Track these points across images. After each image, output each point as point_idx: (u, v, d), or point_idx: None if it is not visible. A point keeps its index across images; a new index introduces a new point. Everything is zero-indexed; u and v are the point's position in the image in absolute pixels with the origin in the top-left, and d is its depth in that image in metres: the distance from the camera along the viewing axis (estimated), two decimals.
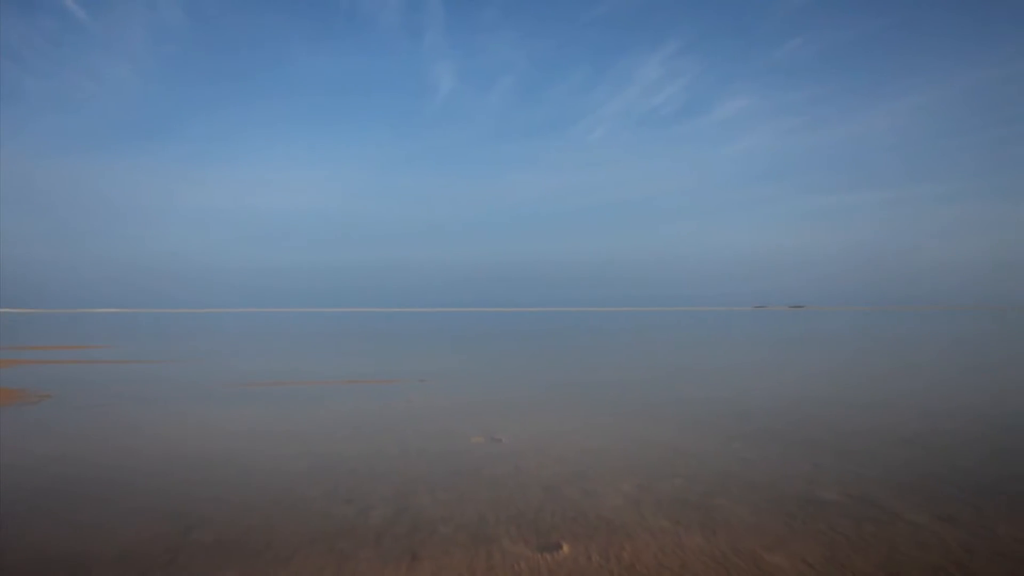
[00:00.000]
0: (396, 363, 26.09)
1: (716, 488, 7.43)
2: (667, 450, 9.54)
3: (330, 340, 45.34)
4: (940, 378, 19.19)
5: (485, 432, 10.96)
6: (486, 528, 6.11)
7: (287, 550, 5.58)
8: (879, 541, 5.69)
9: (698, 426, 11.42)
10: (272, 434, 10.90)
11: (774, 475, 8.01)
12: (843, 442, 9.97)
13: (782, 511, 6.56)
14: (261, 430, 11.24)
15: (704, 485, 7.56)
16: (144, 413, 13.13)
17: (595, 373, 21.55)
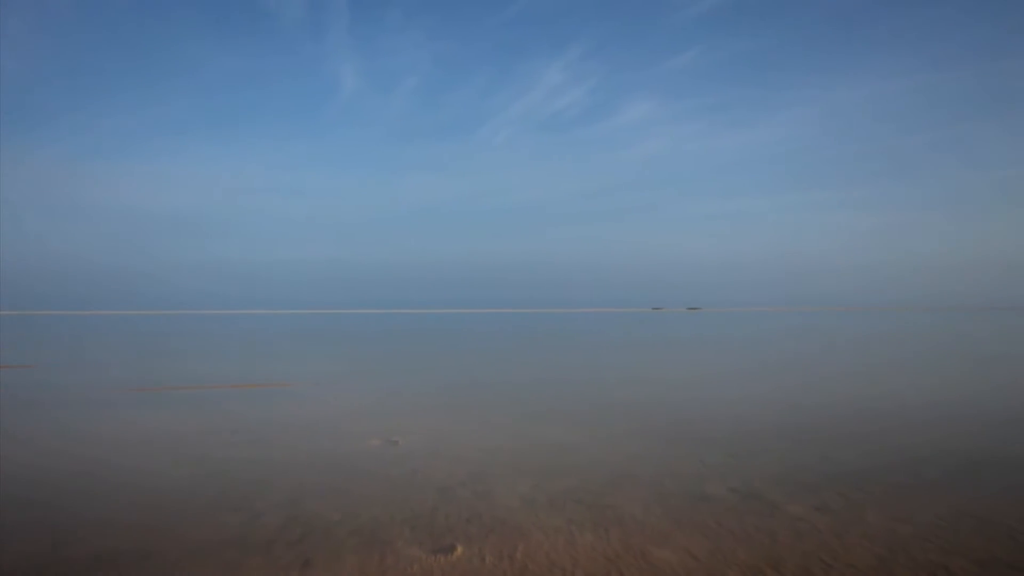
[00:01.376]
0: (291, 365, 25.48)
1: (608, 487, 7.60)
2: (562, 450, 9.69)
3: (224, 342, 43.78)
4: (820, 374, 20.26)
5: (381, 434, 10.82)
6: (380, 531, 6.02)
7: (168, 563, 5.32)
8: (760, 532, 5.96)
9: (593, 425, 11.65)
10: (156, 441, 10.41)
11: (663, 472, 8.26)
12: (729, 438, 10.40)
13: (670, 507, 6.77)
14: (145, 437, 10.72)
15: (597, 484, 7.72)
16: (16, 420, 12.29)
17: (494, 374, 21.65)
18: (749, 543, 5.69)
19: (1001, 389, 16.53)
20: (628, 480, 7.89)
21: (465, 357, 29.82)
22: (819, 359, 27.20)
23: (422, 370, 23.26)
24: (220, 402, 14.69)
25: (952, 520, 6.26)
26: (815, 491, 7.29)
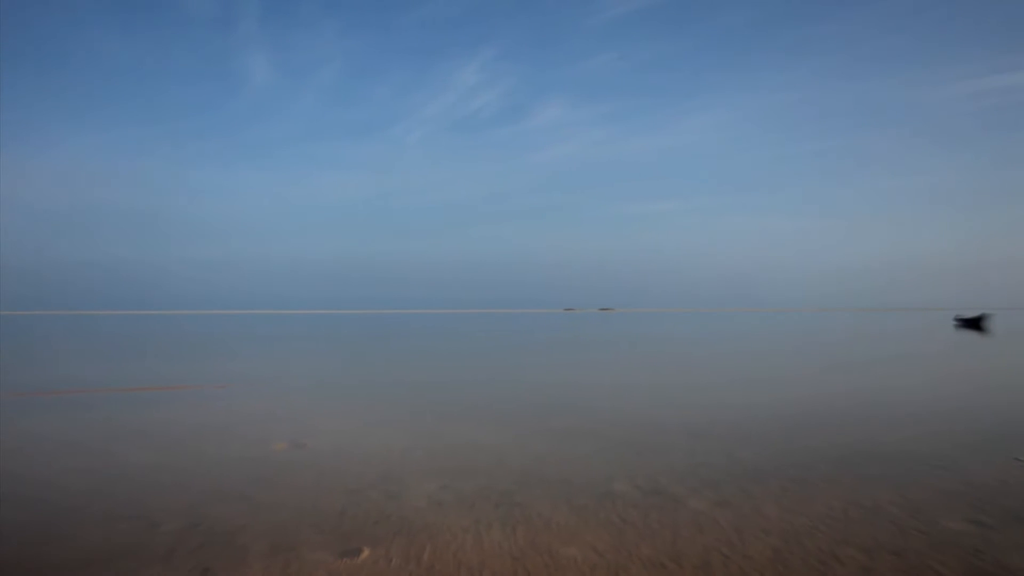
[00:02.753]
0: (195, 367, 24.67)
1: (517, 485, 7.69)
2: (472, 449, 9.74)
3: (127, 343, 42.03)
4: (726, 375, 20.97)
5: (289, 438, 10.60)
6: (285, 537, 5.91)
7: (59, 575, 5.09)
8: (663, 527, 6.14)
9: (504, 424, 11.75)
10: (50, 448, 9.91)
11: (571, 470, 8.42)
12: (635, 435, 10.67)
13: (577, 505, 6.91)
14: (37, 443, 10.18)
15: (506, 483, 7.80)
16: None
17: (404, 374, 21.51)
18: (652, 538, 5.86)
19: (893, 387, 17.49)
20: (537, 479, 7.99)
21: (375, 358, 29.58)
22: (727, 360, 28.14)
23: (335, 371, 22.95)
24: (124, 406, 14.08)
25: (842, 510, 6.60)
26: (717, 487, 7.56)
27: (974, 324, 66.84)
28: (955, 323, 72.85)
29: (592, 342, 42.13)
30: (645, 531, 6.04)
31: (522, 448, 9.82)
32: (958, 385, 17.71)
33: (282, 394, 16.24)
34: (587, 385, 18.19)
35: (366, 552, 5.53)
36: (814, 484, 7.64)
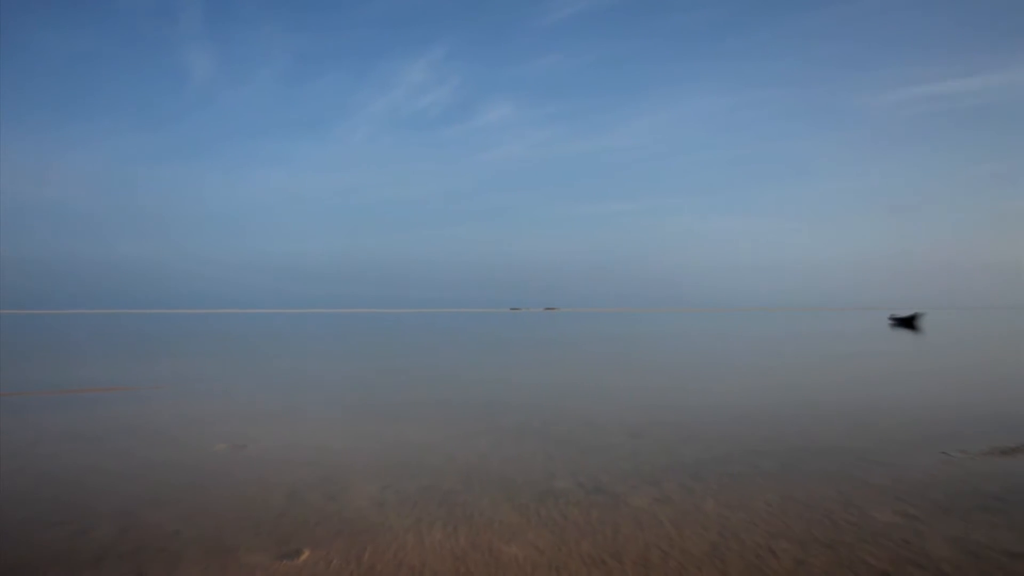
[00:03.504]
0: (129, 368, 24.01)
1: (460, 485, 7.68)
2: (416, 449, 9.70)
3: (57, 342, 40.65)
4: (670, 373, 21.32)
5: (229, 439, 10.39)
6: (223, 540, 5.79)
7: None
8: (604, 524, 6.20)
9: (448, 424, 11.73)
10: None
11: (514, 469, 8.46)
12: (578, 434, 10.78)
13: (519, 503, 6.93)
14: None
15: (449, 482, 7.78)
16: None
17: (348, 373, 21.32)
18: (593, 535, 5.91)
19: (830, 385, 18.05)
20: (480, 478, 8.00)
21: (323, 357, 29.21)
22: (669, 359, 28.60)
23: (278, 371, 22.53)
24: (53, 408, 13.61)
25: (779, 505, 6.77)
26: (658, 484, 7.67)
27: (908, 323, 69.33)
28: (890, 322, 75.41)
29: (537, 341, 42.29)
30: (586, 528, 6.10)
31: (466, 447, 9.81)
32: (891, 382, 18.30)
33: (223, 394, 15.90)
34: (531, 384, 18.27)
35: (306, 554, 5.45)
36: (753, 480, 7.81)
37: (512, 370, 23.18)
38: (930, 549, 5.51)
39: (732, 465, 8.57)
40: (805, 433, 10.73)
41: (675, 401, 14.75)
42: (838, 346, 35.68)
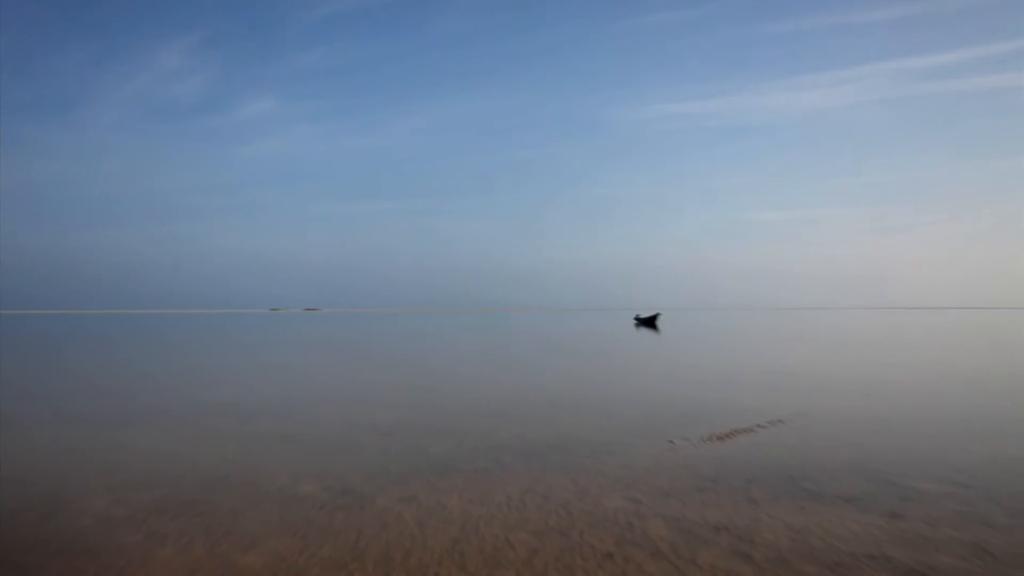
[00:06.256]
0: None
1: (201, 493, 7.35)
2: (154, 459, 9.10)
3: None
4: (424, 371, 21.78)
5: None
6: None
7: None
8: (349, 527, 6.25)
9: (194, 430, 11.16)
10: None
11: (260, 474, 8.24)
12: (329, 435, 10.74)
13: (262, 510, 6.78)
14: None
15: (189, 492, 7.41)
16: None
17: (80, 380, 19.77)
18: (336, 538, 5.94)
19: (576, 380, 19.32)
20: (223, 485, 7.70)
21: (36, 361, 26.31)
22: (424, 358, 29.17)
23: None
24: None
25: (519, 498, 7.19)
26: (405, 483, 7.84)
27: (649, 323, 76.39)
28: (635, 322, 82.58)
29: (295, 343, 41.22)
30: (329, 532, 6.11)
31: (211, 454, 9.37)
32: (631, 377, 20.09)
33: None
34: (285, 387, 17.81)
35: None
36: (496, 475, 8.22)
37: (267, 373, 22.50)
38: (649, 529, 6.17)
39: (479, 461, 8.96)
40: (550, 427, 11.44)
41: (427, 399, 15.10)
42: (586, 344, 38.39)
